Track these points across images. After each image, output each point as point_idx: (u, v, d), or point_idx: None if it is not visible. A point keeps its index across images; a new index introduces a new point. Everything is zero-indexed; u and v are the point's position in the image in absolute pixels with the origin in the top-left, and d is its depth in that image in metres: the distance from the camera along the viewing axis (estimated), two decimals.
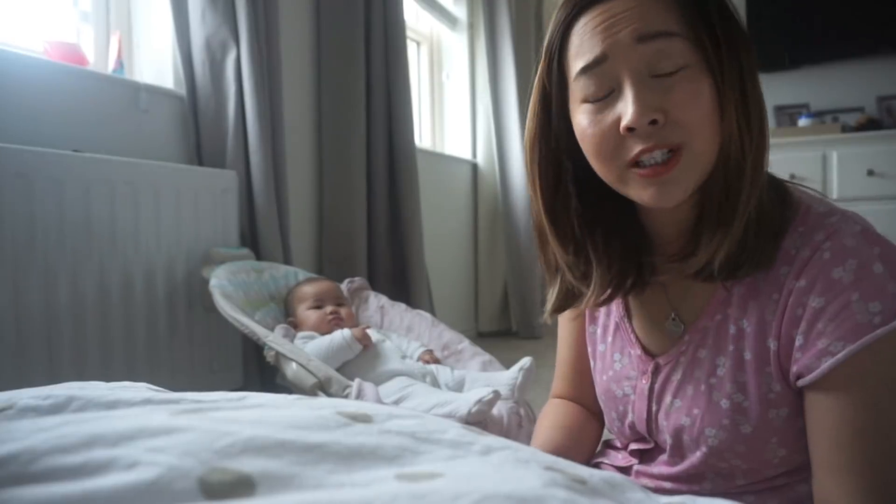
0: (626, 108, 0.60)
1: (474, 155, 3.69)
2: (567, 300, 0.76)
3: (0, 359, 1.33)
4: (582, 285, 0.73)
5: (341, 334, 1.53)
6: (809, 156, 3.37)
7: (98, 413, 0.39)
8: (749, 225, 0.62)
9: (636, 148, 0.61)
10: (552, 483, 0.31)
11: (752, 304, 0.65)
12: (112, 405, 0.40)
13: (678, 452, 0.71)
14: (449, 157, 3.50)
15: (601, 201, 0.71)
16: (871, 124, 3.43)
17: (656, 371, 0.72)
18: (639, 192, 0.63)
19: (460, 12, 3.64)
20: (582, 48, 0.63)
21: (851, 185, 3.28)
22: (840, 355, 0.58)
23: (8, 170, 1.34)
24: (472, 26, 3.65)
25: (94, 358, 1.50)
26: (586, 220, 0.71)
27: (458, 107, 3.66)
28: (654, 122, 0.60)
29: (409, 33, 2.90)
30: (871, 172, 3.28)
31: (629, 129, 0.60)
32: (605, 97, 0.63)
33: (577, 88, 0.65)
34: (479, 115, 3.66)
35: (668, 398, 0.71)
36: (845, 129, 3.45)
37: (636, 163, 0.62)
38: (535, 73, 0.71)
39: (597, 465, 0.82)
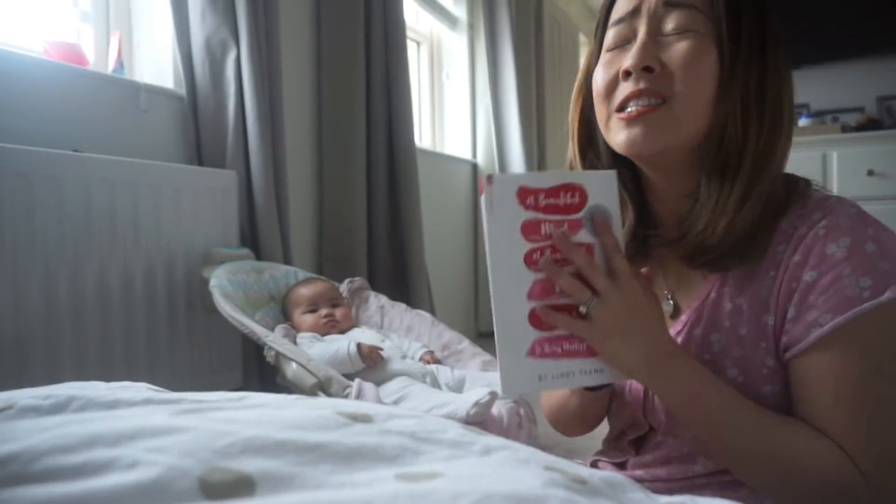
0: (630, 54, 0.66)
1: (474, 155, 3.69)
2: None
3: (0, 359, 1.33)
4: None
5: (347, 348, 1.50)
6: (809, 156, 3.36)
7: (98, 413, 0.39)
8: (752, 222, 0.65)
9: (627, 90, 0.66)
10: (552, 483, 0.31)
11: (747, 283, 0.67)
12: (112, 405, 0.41)
13: (671, 431, 0.72)
14: (449, 157, 3.50)
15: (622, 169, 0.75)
16: (871, 124, 3.43)
17: None
18: (616, 136, 0.68)
19: (460, 12, 3.64)
20: (620, 5, 0.70)
21: (851, 185, 3.27)
22: (827, 327, 0.60)
23: (8, 170, 1.34)
24: (472, 26, 3.65)
25: (94, 358, 1.50)
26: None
27: (458, 107, 3.66)
28: (649, 69, 0.65)
29: (409, 33, 2.90)
30: (871, 172, 3.28)
31: (627, 72, 0.66)
32: (622, 46, 0.69)
33: (606, 40, 0.71)
34: (479, 115, 3.66)
35: None
36: (845, 129, 3.45)
37: (621, 108, 0.67)
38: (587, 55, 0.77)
39: (594, 464, 0.83)
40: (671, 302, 0.74)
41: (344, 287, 1.90)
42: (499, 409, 1.35)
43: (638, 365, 0.63)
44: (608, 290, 0.61)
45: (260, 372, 1.95)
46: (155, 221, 1.65)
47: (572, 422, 0.84)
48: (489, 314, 0.66)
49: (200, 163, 1.88)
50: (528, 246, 0.60)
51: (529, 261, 0.60)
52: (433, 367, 1.57)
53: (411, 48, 3.31)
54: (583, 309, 0.61)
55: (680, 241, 0.69)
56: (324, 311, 1.70)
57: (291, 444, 0.32)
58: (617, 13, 0.70)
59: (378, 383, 1.43)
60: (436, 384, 1.53)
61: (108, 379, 0.55)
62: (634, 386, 0.75)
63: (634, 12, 0.67)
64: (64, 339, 1.44)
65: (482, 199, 0.60)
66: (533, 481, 0.31)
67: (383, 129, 2.55)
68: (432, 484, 0.29)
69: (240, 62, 1.87)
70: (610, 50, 0.70)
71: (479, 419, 1.25)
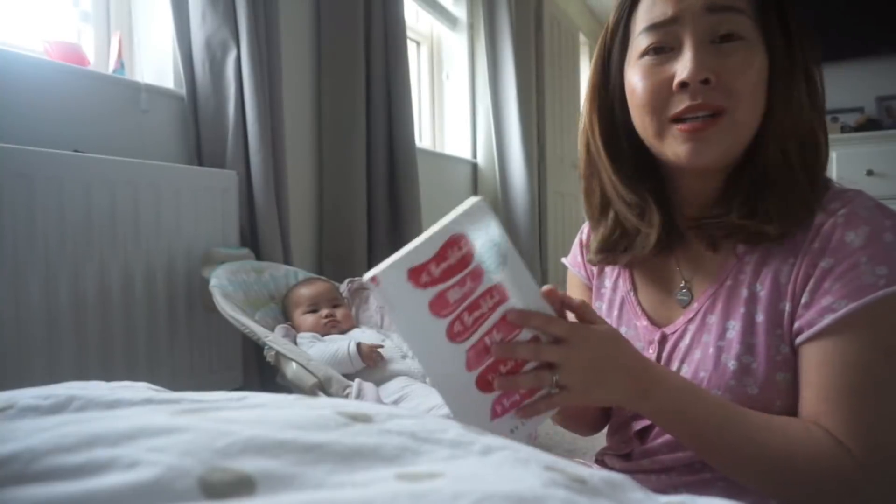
0: (683, 66, 0.65)
1: (474, 155, 3.69)
2: (610, 244, 0.78)
3: (0, 359, 1.33)
4: (640, 224, 0.75)
5: (347, 348, 1.50)
6: None
7: (99, 413, 0.39)
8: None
9: (684, 103, 0.65)
10: (552, 483, 0.31)
11: (765, 270, 0.68)
12: (113, 405, 0.40)
13: None
14: (449, 157, 3.50)
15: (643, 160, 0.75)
16: (870, 124, 3.43)
17: (663, 341, 0.74)
18: (674, 148, 0.67)
19: (460, 12, 3.64)
20: (654, 8, 0.68)
21: (851, 185, 3.28)
22: (841, 312, 0.61)
23: (8, 170, 1.34)
24: (472, 26, 3.65)
25: (94, 358, 1.50)
26: (639, 168, 0.75)
27: (458, 107, 3.65)
28: (706, 81, 0.64)
29: (409, 33, 2.90)
30: (870, 172, 3.28)
31: (683, 84, 0.65)
32: (664, 53, 0.67)
33: (639, 43, 0.69)
34: (479, 115, 3.66)
35: (675, 365, 0.73)
36: (845, 129, 3.45)
37: (678, 119, 0.66)
38: (603, 33, 0.76)
39: (601, 457, 0.84)
40: (686, 290, 0.74)
41: (344, 287, 1.90)
42: None
43: (624, 399, 0.63)
44: (563, 357, 0.59)
45: (260, 372, 1.95)
46: (155, 221, 1.65)
47: (574, 425, 0.84)
48: None
49: (200, 163, 1.88)
50: (444, 322, 0.56)
51: (452, 334, 0.57)
52: None
53: (411, 48, 3.31)
54: (553, 390, 0.60)
55: (714, 220, 0.69)
56: (324, 312, 1.70)
57: (291, 444, 0.32)
58: (650, 16, 0.68)
59: (378, 383, 1.43)
60: None
61: (108, 379, 0.55)
62: None
63: (674, 19, 0.66)
64: (64, 339, 1.44)
65: (377, 297, 0.56)
66: (533, 481, 0.31)
67: (383, 129, 2.55)
68: (432, 484, 0.29)
69: (240, 62, 1.87)
70: (645, 55, 0.68)
71: None
